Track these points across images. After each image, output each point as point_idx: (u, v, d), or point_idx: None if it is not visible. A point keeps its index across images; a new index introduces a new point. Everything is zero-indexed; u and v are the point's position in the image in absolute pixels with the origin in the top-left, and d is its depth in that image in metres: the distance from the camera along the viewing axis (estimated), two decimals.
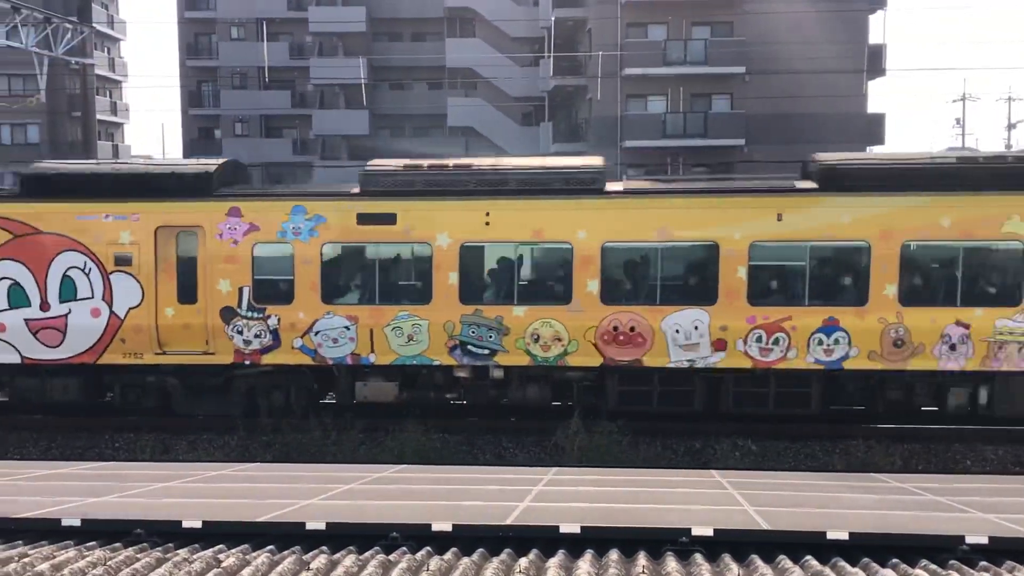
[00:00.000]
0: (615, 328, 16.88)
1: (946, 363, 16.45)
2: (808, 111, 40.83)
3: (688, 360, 16.88)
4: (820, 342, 16.62)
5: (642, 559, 7.21)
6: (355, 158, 57.12)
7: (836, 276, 17.14)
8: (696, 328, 16.77)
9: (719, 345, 16.78)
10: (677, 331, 16.78)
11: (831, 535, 7.59)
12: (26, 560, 7.09)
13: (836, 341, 16.56)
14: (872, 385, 17.07)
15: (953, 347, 16.42)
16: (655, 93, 44.22)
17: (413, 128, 59.45)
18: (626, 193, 17.40)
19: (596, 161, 18.07)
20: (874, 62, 43.71)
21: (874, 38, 44.42)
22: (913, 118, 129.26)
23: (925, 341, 16.43)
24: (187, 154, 60.39)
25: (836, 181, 16.79)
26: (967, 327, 16.37)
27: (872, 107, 45.42)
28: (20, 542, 7.75)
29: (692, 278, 17.30)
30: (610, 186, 17.55)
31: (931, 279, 16.95)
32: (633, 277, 17.43)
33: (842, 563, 7.13)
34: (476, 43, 55.66)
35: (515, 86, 54.11)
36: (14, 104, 47.48)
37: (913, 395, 17.05)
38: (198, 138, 62.84)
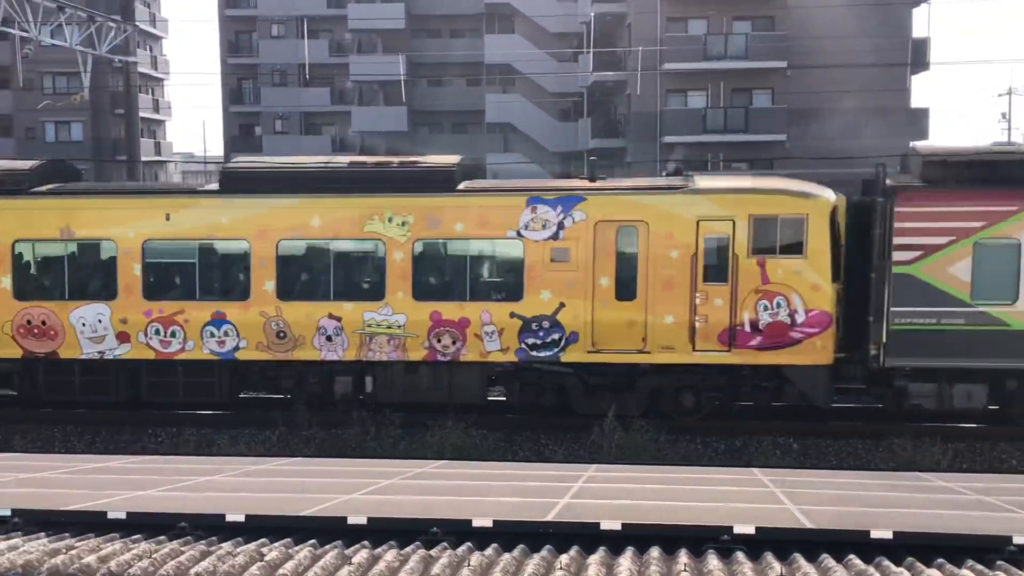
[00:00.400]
0: (29, 322, 18.07)
1: (327, 354, 17.71)
2: (850, 106, 40.37)
3: (98, 352, 17.98)
4: (212, 334, 17.72)
5: (683, 557, 7.17)
6: (394, 154, 57.27)
7: (223, 272, 18.51)
8: (100, 321, 17.94)
9: (123, 337, 17.95)
10: (84, 324, 17.97)
11: (875, 534, 7.50)
12: (73, 552, 7.19)
13: (226, 333, 17.69)
14: (267, 374, 18.48)
15: (330, 339, 17.62)
16: (695, 88, 43.90)
17: (452, 124, 59.52)
18: (35, 194, 18.42)
19: (23, 164, 19.29)
20: (918, 56, 43.12)
21: (918, 31, 43.83)
22: (958, 112, 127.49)
23: (304, 333, 17.67)
24: (228, 151, 60.91)
25: (228, 183, 18.15)
26: (339, 320, 17.59)
27: (915, 101, 44.85)
28: (67, 534, 7.86)
29: (96, 274, 18.44)
30: (42, 187, 18.67)
31: (305, 275, 18.07)
32: (43, 274, 18.55)
33: (886, 562, 7.04)
34: (515, 39, 55.57)
35: (554, 82, 53.96)
36: (59, 102, 48.14)
37: (304, 384, 18.22)
38: (239, 135, 63.34)
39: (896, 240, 16.44)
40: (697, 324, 16.81)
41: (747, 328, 16.72)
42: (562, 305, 17.10)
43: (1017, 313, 16.36)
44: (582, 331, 17.10)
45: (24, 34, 28.29)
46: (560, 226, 17.07)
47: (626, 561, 7.06)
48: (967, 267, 16.33)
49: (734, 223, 16.66)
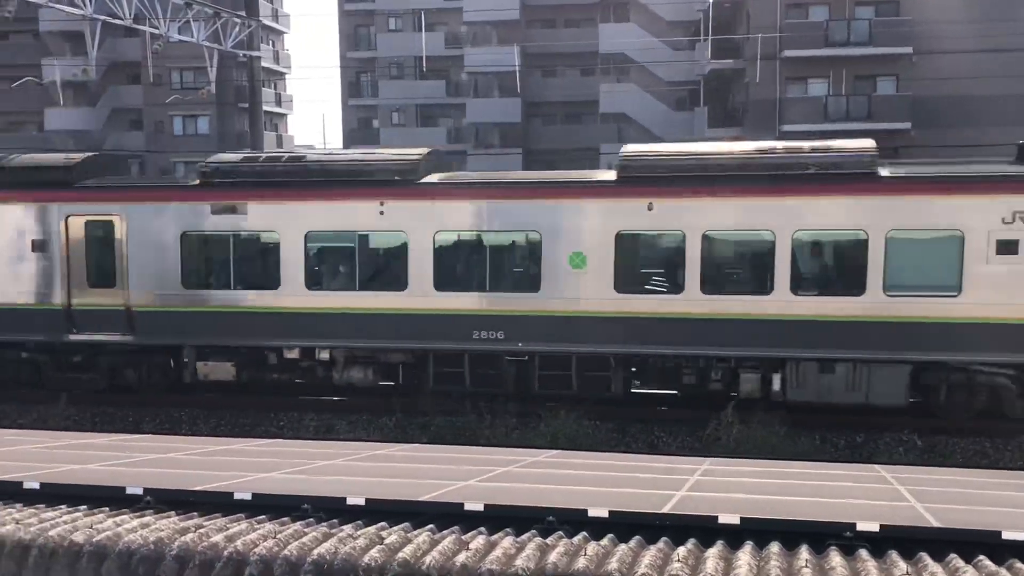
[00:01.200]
0: None
1: None
2: (980, 93, 38.85)
3: None
4: None
5: (804, 552, 7.03)
6: (508, 145, 57.57)
7: None
8: None
9: None
10: None
11: (1007, 535, 7.22)
12: (202, 531, 7.44)
13: None
14: None
15: None
16: (816, 75, 42.89)
17: (565, 115, 59.47)
18: None
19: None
20: None
21: None
22: None
23: None
24: (347, 144, 62.07)
25: None
26: None
27: None
28: (195, 514, 8.13)
29: None
30: None
31: None
32: None
33: (1019, 564, 6.77)
34: (630, 28, 55.18)
35: (669, 71, 53.38)
36: (186, 96, 49.82)
37: None
38: (357, 128, 64.49)
39: None
40: None
41: None
42: None
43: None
44: None
45: (154, 31, 29.31)
46: None
47: (745, 555, 6.96)
48: None
49: None
